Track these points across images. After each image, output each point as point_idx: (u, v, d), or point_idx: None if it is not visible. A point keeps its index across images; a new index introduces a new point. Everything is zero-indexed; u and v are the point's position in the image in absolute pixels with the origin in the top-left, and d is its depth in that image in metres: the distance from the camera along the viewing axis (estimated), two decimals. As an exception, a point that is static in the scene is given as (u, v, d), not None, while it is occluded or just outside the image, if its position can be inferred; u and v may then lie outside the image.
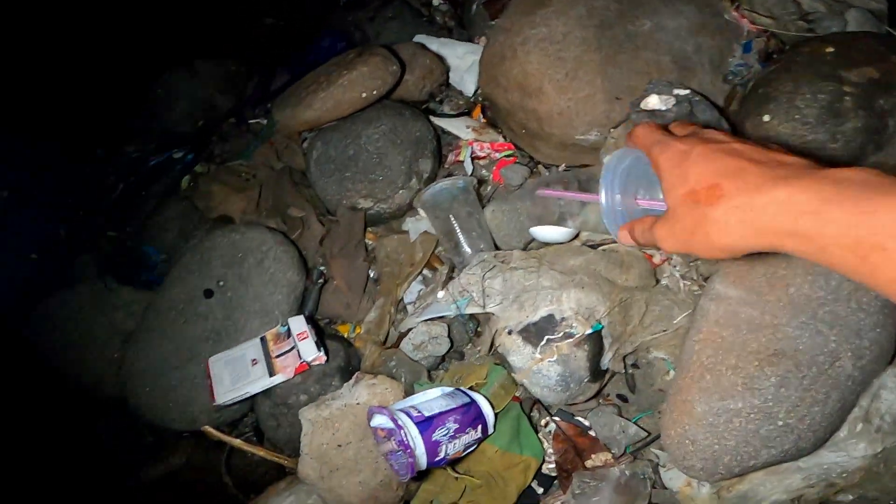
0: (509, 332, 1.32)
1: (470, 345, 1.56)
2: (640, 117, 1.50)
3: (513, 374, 1.38)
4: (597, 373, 1.31)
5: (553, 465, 1.42)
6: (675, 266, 1.37)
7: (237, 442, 1.59)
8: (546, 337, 1.26)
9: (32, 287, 2.02)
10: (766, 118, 1.46)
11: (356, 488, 1.36)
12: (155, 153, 2.29)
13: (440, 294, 1.47)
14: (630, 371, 1.42)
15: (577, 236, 1.53)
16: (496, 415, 1.38)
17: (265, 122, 2.22)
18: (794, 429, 1.13)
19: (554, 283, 1.31)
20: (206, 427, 1.60)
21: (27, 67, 2.18)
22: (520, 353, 1.31)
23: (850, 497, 1.25)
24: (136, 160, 2.30)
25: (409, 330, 1.50)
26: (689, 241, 0.61)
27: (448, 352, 1.51)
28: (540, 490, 1.42)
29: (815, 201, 0.50)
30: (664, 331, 1.32)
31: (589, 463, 1.38)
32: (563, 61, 1.61)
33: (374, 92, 1.82)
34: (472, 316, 1.48)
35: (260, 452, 1.58)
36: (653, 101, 1.49)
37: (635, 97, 1.52)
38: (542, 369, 1.27)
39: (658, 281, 1.38)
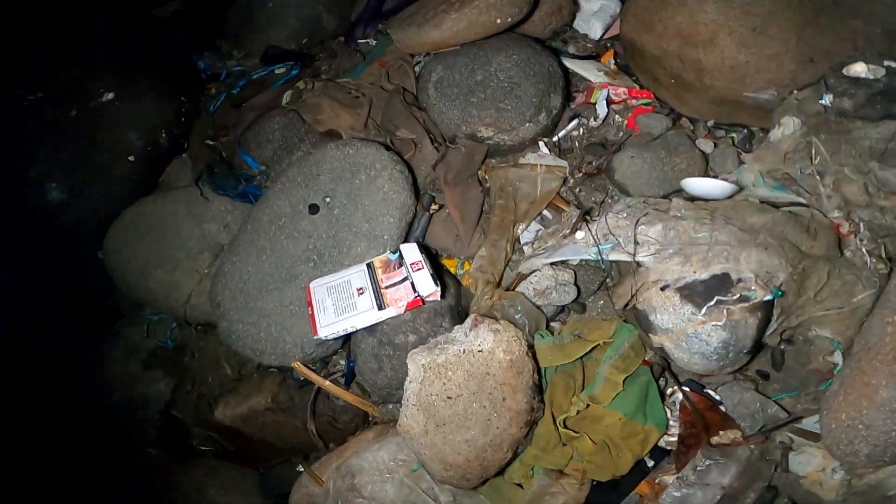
0: (662, 288, 1.09)
1: (593, 297, 1.35)
2: (843, 84, 1.24)
3: (650, 335, 1.16)
4: (758, 345, 1.09)
5: (673, 438, 1.23)
6: (862, 240, 1.12)
7: (327, 383, 1.39)
8: (717, 297, 1.03)
9: (125, 192, 1.85)
10: None
11: (462, 446, 1.16)
12: (258, 67, 2.07)
13: (579, 234, 1.24)
14: (781, 347, 1.20)
15: (732, 196, 1.28)
16: (624, 380, 1.18)
17: (374, 42, 1.98)
18: None
19: (732, 239, 1.07)
20: (297, 363, 1.40)
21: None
22: (672, 313, 1.09)
23: None
24: (238, 72, 2.09)
25: (533, 272, 1.28)
26: None
27: (572, 301, 1.29)
28: (650, 463, 1.24)
29: None
30: (840, 308, 1.08)
31: (715, 440, 1.19)
32: (751, 15, 1.35)
33: (510, 19, 1.56)
34: (613, 263, 1.25)
35: (348, 398, 1.39)
36: (858, 68, 1.25)
37: (832, 62, 1.27)
38: (702, 333, 1.05)
39: (842, 253, 1.13)
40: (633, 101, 1.58)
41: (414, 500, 1.31)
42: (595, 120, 1.58)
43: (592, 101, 1.60)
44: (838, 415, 1.02)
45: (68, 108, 1.82)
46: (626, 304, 1.17)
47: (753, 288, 1.02)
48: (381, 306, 1.25)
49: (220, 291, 1.49)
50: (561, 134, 1.59)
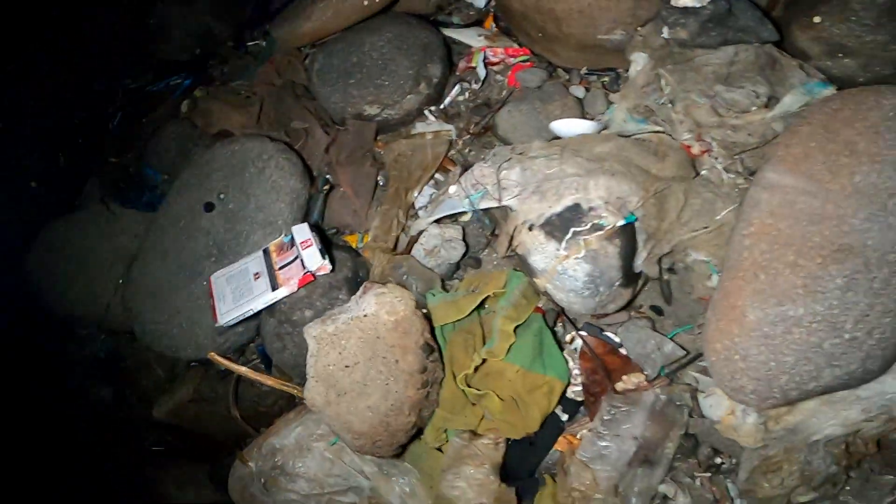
0: (530, 228, 1.11)
1: (487, 250, 1.36)
2: (674, 15, 1.27)
3: (535, 280, 1.17)
4: (629, 276, 1.11)
5: (579, 388, 1.22)
6: (716, 158, 1.14)
7: (243, 370, 1.40)
8: (572, 229, 1.05)
9: (34, 214, 1.84)
10: (818, 19, 1.26)
11: (366, 413, 1.17)
12: (153, 81, 2.06)
13: (452, 189, 1.26)
14: (666, 277, 1.21)
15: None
16: (516, 329, 1.18)
17: (264, 43, 1.99)
18: (863, 344, 0.90)
19: (580, 169, 1.10)
20: (212, 353, 1.40)
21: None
22: (542, 252, 1.11)
23: None
24: (133, 90, 2.07)
25: (421, 234, 1.30)
26: None
27: (463, 257, 1.31)
28: (564, 417, 1.22)
29: None
30: (705, 227, 1.11)
31: (619, 386, 1.18)
32: None
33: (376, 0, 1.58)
34: (487, 213, 1.27)
35: (268, 381, 1.39)
36: None
37: None
38: (568, 269, 1.07)
39: (698, 173, 1.16)
40: (512, 60, 1.60)
41: (338, 472, 1.32)
42: (476, 83, 1.60)
43: (474, 65, 1.62)
44: (715, 345, 0.96)
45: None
46: (508, 249, 1.18)
47: (605, 214, 1.04)
48: (274, 287, 1.28)
49: (131, 297, 1.53)
50: (447, 100, 1.62)
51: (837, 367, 0.90)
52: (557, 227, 1.08)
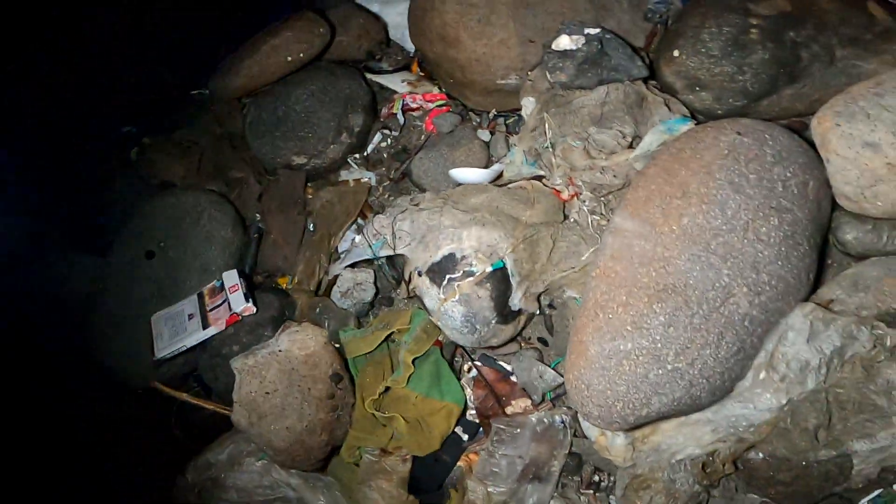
0: (419, 274, 1.27)
1: (397, 291, 1.52)
2: (553, 59, 1.40)
3: (430, 317, 1.32)
4: (506, 314, 1.26)
5: (475, 412, 1.37)
6: (584, 201, 1.29)
7: (184, 396, 1.58)
8: (448, 276, 1.21)
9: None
10: (676, 53, 1.38)
11: (284, 433, 1.33)
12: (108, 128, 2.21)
13: (356, 238, 1.42)
14: (547, 312, 1.36)
15: (499, 178, 1.46)
16: (414, 361, 1.34)
17: (206, 92, 2.14)
18: (685, 374, 1.01)
19: (455, 221, 1.25)
20: (155, 382, 1.59)
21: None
22: (429, 295, 1.26)
23: (761, 455, 1.13)
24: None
25: (336, 277, 1.46)
26: None
27: (375, 297, 1.47)
28: (465, 437, 1.37)
29: None
30: (573, 268, 1.25)
31: (509, 409, 1.33)
32: (476, 7, 1.53)
33: (301, 55, 1.75)
34: (390, 259, 1.43)
35: (206, 405, 1.57)
36: (563, 42, 1.40)
37: (548, 38, 1.43)
38: (448, 310, 1.23)
39: (566, 217, 1.30)
40: (430, 105, 1.75)
41: (267, 484, 1.47)
42: (396, 129, 1.75)
43: (395, 111, 1.77)
44: (568, 376, 1.08)
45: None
46: (408, 292, 1.34)
47: (475, 262, 1.19)
48: (205, 326, 1.47)
49: (91, 335, 1.68)
50: (370, 148, 1.77)
51: (663, 395, 1.02)
52: (437, 273, 1.24)
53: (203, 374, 1.55)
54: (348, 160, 1.74)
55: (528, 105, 1.41)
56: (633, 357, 1.02)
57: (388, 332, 1.39)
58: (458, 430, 1.36)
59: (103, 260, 1.83)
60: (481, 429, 1.37)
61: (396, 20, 2.01)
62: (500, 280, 1.23)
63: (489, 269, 1.20)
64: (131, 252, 1.69)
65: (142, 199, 1.85)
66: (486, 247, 1.21)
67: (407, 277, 1.33)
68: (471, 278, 1.20)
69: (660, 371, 1.01)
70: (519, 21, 1.49)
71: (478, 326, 1.23)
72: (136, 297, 1.64)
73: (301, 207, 1.69)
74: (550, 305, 1.36)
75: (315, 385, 1.33)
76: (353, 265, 1.46)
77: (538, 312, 1.34)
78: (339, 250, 1.60)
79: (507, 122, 1.66)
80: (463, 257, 1.21)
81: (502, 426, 1.29)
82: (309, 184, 1.76)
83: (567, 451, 1.27)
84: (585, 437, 1.25)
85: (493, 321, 1.24)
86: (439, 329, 1.36)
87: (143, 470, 1.78)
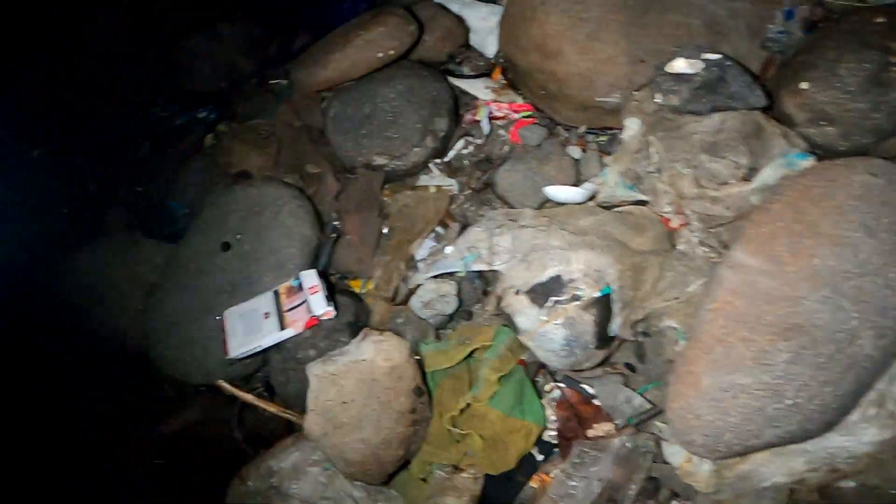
0: (516, 292, 1.24)
1: (479, 305, 1.48)
2: (666, 81, 1.36)
3: (519, 337, 1.30)
4: (604, 339, 1.22)
5: (554, 433, 1.35)
6: (693, 231, 1.25)
7: (248, 397, 1.55)
8: (552, 298, 1.17)
9: (64, 240, 2.00)
10: (805, 85, 1.34)
11: (358, 445, 1.31)
12: (180, 113, 2.21)
13: (448, 250, 1.39)
14: (640, 339, 1.33)
15: (593, 198, 1.42)
16: (500, 378, 1.31)
17: (285, 82, 2.13)
18: (803, 409, 1.01)
19: (563, 242, 1.22)
20: (220, 381, 1.57)
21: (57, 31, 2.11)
22: (526, 315, 1.23)
23: (852, 484, 1.14)
24: (161, 119, 2.23)
25: (418, 287, 1.43)
26: None
27: (457, 311, 1.43)
28: (540, 457, 1.35)
29: None
30: (676, 298, 1.22)
31: (591, 432, 1.30)
32: (585, 22, 1.49)
33: (391, 52, 1.73)
34: (480, 274, 1.40)
35: (270, 408, 1.55)
36: (679, 65, 1.36)
37: (661, 60, 1.39)
38: (548, 332, 1.19)
39: (674, 246, 1.26)
40: (515, 115, 1.72)
41: (330, 495, 1.45)
42: (480, 137, 1.72)
43: (479, 118, 1.74)
44: (673, 405, 1.08)
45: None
46: (496, 309, 1.30)
47: (583, 287, 1.16)
48: (282, 327, 1.42)
49: (149, 324, 1.68)
50: (451, 154, 1.74)
51: (778, 428, 1.02)
52: (540, 294, 1.21)
53: (273, 376, 1.52)
54: (429, 165, 1.71)
55: (632, 126, 1.37)
56: (752, 391, 1.01)
57: (472, 349, 1.36)
58: (534, 449, 1.34)
59: (172, 246, 1.83)
60: (556, 449, 1.35)
61: (477, 24, 1.99)
62: (604, 305, 1.19)
63: (597, 294, 1.16)
64: (204, 241, 1.67)
65: (216, 188, 1.84)
66: (595, 271, 1.18)
67: (499, 293, 1.29)
68: (577, 302, 1.16)
69: (778, 406, 1.01)
70: (631, 39, 1.46)
71: (577, 350, 1.20)
72: (206, 288, 1.62)
73: (378, 210, 1.66)
74: (644, 333, 1.32)
75: (397, 398, 1.30)
76: (435, 276, 1.42)
77: (631, 339, 1.30)
78: (417, 258, 1.57)
79: (599, 140, 1.62)
80: (570, 280, 1.18)
81: (586, 448, 1.27)
82: (387, 186, 1.73)
83: (645, 476, 1.25)
84: (666, 462, 1.25)
85: (591, 346, 1.21)
86: (524, 348, 1.33)
87: (198, 470, 1.77)
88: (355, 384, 1.30)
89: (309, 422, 1.32)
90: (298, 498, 1.44)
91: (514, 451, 1.30)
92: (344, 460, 1.32)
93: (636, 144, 1.37)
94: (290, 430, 1.61)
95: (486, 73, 1.92)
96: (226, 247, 1.63)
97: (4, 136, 1.85)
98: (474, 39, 2.00)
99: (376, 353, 1.30)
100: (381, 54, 1.70)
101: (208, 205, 1.75)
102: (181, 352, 1.60)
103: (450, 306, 1.41)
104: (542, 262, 1.20)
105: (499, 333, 1.36)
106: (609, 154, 1.53)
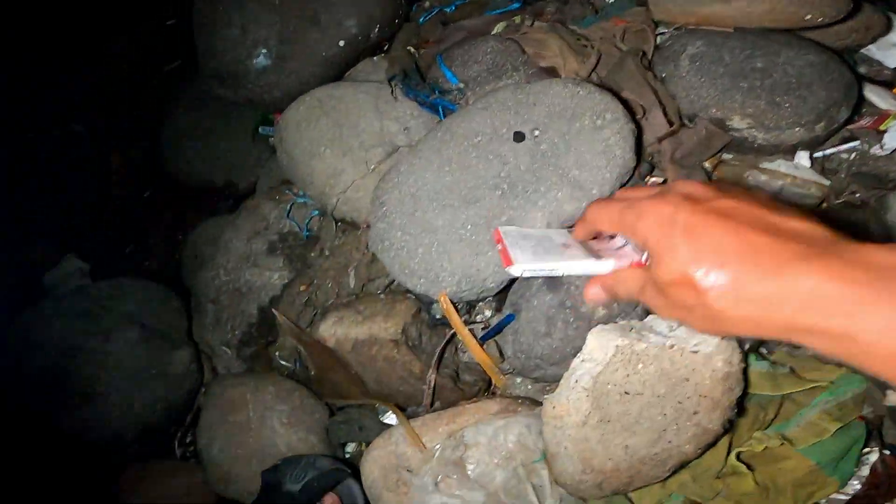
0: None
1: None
2: None
3: (889, 391, 1.06)
4: None
5: (840, 497, 1.08)
6: None
7: (465, 331, 1.24)
8: None
9: (324, 72, 1.84)
10: None
11: (618, 452, 0.98)
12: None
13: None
14: None
15: None
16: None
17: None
18: None
19: None
20: (444, 294, 1.24)
21: None
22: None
23: None
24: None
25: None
26: (688, 319, 0.51)
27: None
28: None
29: (850, 296, 0.40)
30: None
31: None
32: None
33: (820, 19, 1.36)
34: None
35: (481, 356, 1.24)
36: None
37: None
38: None
39: None
40: (931, 140, 1.30)
41: (517, 493, 1.14)
42: (882, 149, 1.32)
43: (882, 128, 1.34)
44: None
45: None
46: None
47: None
48: (598, 257, 1.07)
49: (387, 189, 1.38)
50: (829, 151, 1.35)
51: None
52: None
53: (528, 321, 1.17)
54: (799, 152, 1.33)
55: None
56: None
57: (808, 386, 1.05)
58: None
59: (433, 118, 1.56)
60: None
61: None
62: None
63: None
64: (489, 123, 1.37)
65: (516, 75, 1.55)
66: None
67: None
68: None
69: None
70: None
71: None
72: (475, 175, 1.31)
73: (704, 174, 1.32)
74: None
75: (711, 412, 0.95)
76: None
77: None
78: None
79: None
80: None
81: None
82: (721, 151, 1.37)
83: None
84: None
85: None
86: (863, 405, 1.08)
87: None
88: (654, 376, 0.96)
89: (570, 401, 0.98)
90: (485, 489, 1.12)
91: (789, 502, 1.02)
92: (585, 463, 0.99)
93: None
94: (486, 390, 1.31)
95: (883, 83, 1.51)
96: (519, 137, 1.33)
97: None
98: (875, 46, 1.59)
99: (718, 351, 0.94)
100: (808, 16, 1.33)
101: (506, 87, 1.46)
102: (413, 239, 1.28)
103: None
104: None
105: (844, 379, 1.06)
106: None
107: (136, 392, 1.57)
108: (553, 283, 1.14)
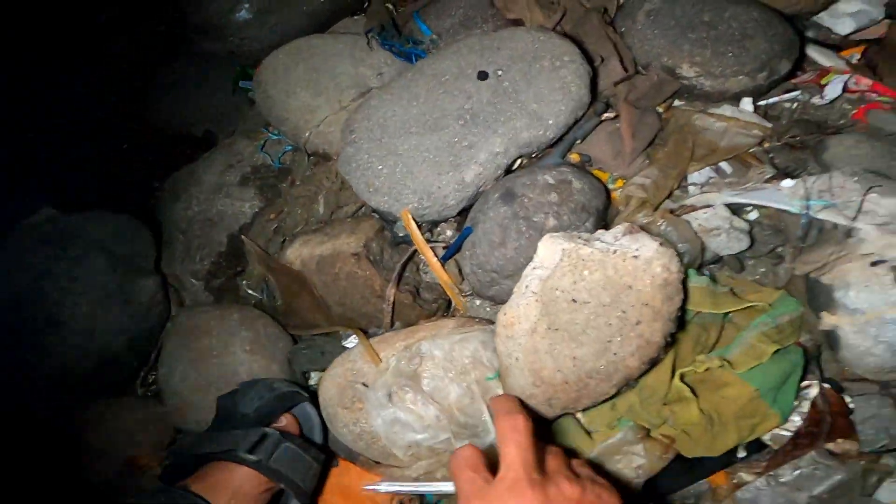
0: (873, 263, 0.94)
1: (755, 261, 1.21)
2: None
3: (823, 314, 1.05)
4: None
5: (782, 433, 1.11)
6: None
7: (427, 248, 1.31)
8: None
9: (304, 26, 1.93)
10: None
11: (567, 363, 1.01)
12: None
13: (787, 182, 1.11)
14: None
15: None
16: (776, 352, 1.04)
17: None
18: None
19: None
20: (406, 211, 1.32)
21: None
22: (873, 293, 0.96)
23: None
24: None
25: (705, 207, 1.15)
26: None
27: (736, 253, 1.15)
28: (742, 454, 1.11)
29: None
30: None
31: (830, 446, 1.08)
32: None
33: None
34: (811, 225, 1.11)
35: (441, 274, 1.31)
36: None
37: None
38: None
39: None
40: (873, 96, 1.43)
41: (471, 412, 1.18)
42: (821, 98, 1.45)
43: (823, 82, 1.47)
44: None
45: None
46: (815, 270, 1.01)
47: None
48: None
49: (358, 119, 1.48)
50: (773, 100, 1.48)
51: None
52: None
53: (485, 232, 1.23)
54: (743, 99, 1.44)
55: None
56: None
57: (745, 305, 1.08)
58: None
59: (404, 64, 1.66)
60: (764, 451, 1.13)
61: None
62: None
63: None
64: (456, 64, 1.47)
65: (486, 26, 1.66)
66: None
67: (831, 258, 0.99)
68: None
69: None
70: None
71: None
72: (440, 107, 1.41)
73: (657, 117, 1.42)
74: None
75: (652, 322, 0.99)
76: (734, 205, 1.15)
77: None
78: (689, 180, 1.33)
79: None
80: None
81: (823, 461, 1.05)
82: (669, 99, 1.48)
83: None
84: (871, 496, 1.06)
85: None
86: (801, 329, 1.11)
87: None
88: (600, 282, 1.00)
89: (520, 307, 1.02)
90: (437, 405, 1.15)
91: (733, 437, 1.04)
92: (535, 375, 1.02)
93: None
94: (445, 310, 1.38)
95: (831, 46, 1.64)
96: (483, 75, 1.42)
97: None
98: (826, 14, 1.71)
99: (657, 255, 0.98)
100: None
101: (476, 35, 1.56)
102: (379, 161, 1.37)
103: (739, 244, 1.13)
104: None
105: (783, 300, 1.09)
106: None
107: (101, 319, 1.54)
108: (507, 195, 1.22)
